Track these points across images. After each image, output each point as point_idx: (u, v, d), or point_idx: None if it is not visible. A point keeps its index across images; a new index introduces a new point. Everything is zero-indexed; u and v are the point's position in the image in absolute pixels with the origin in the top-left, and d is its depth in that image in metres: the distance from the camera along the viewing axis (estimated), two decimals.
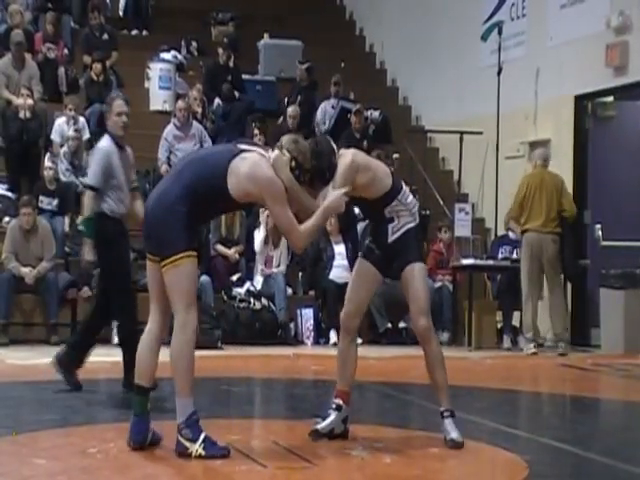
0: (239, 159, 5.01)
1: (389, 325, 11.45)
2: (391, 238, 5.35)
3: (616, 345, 10.83)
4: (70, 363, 7.33)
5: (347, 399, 5.46)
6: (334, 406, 5.44)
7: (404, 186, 5.50)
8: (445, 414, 5.35)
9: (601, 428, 7.05)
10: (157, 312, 5.17)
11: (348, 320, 5.48)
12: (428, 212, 13.08)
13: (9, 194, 11.89)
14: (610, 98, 12.24)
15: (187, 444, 4.94)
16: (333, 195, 5.11)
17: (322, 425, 5.41)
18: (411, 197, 5.48)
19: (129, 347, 6.99)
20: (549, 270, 10.92)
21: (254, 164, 4.99)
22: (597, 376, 9.57)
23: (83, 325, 7.87)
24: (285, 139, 5.16)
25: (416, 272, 5.33)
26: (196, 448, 4.92)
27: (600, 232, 11.42)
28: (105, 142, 7.52)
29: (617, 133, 12.21)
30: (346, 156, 5.27)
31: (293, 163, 5.05)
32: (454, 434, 5.29)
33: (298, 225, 5.05)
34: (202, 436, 4.96)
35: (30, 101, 12.36)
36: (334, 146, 5.31)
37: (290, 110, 13.10)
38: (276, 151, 5.07)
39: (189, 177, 5.01)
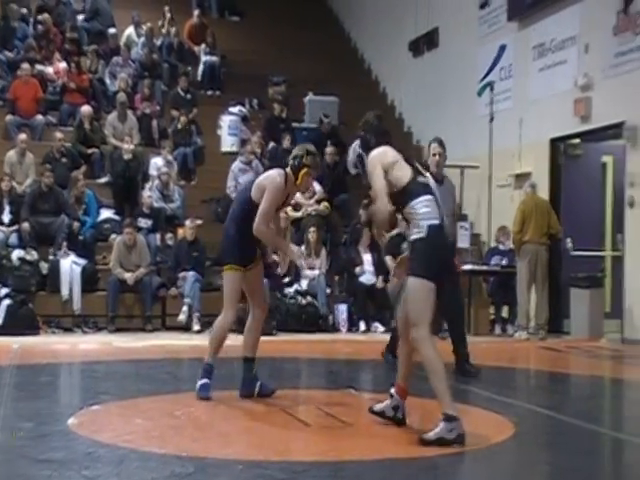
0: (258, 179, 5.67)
1: None
2: (406, 243, 4.70)
3: (582, 332, 10.73)
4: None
5: (400, 392, 4.90)
6: (390, 394, 4.95)
7: (424, 198, 4.54)
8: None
9: (572, 397, 7.01)
10: (252, 306, 5.69)
11: (403, 328, 4.77)
12: None
13: (115, 217, 11.99)
14: (577, 140, 12.13)
15: None
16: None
17: (377, 407, 4.97)
18: (426, 210, 4.49)
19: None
20: (540, 273, 10.84)
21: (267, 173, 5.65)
22: (568, 356, 9.47)
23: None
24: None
25: (409, 286, 4.51)
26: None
27: (571, 244, 11.35)
28: None
29: (583, 167, 12.10)
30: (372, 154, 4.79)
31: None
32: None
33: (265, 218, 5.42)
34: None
35: (131, 146, 12.46)
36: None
37: (329, 149, 13.16)
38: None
39: (235, 211, 5.64)
